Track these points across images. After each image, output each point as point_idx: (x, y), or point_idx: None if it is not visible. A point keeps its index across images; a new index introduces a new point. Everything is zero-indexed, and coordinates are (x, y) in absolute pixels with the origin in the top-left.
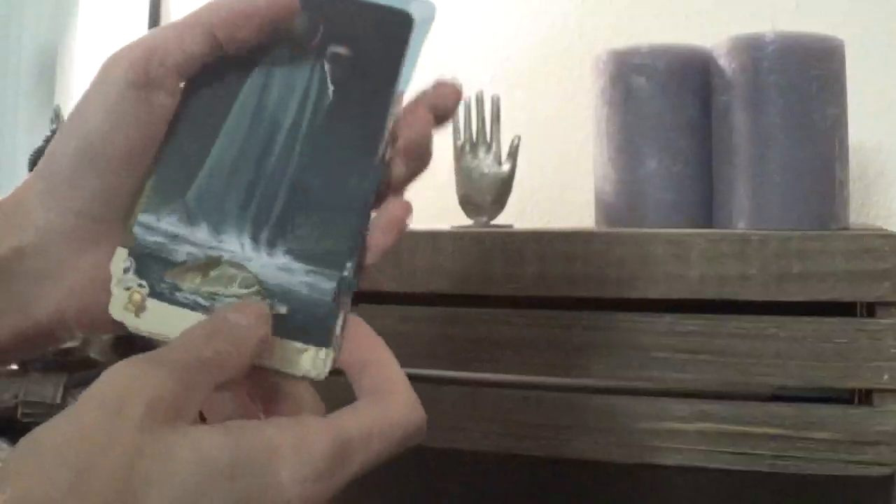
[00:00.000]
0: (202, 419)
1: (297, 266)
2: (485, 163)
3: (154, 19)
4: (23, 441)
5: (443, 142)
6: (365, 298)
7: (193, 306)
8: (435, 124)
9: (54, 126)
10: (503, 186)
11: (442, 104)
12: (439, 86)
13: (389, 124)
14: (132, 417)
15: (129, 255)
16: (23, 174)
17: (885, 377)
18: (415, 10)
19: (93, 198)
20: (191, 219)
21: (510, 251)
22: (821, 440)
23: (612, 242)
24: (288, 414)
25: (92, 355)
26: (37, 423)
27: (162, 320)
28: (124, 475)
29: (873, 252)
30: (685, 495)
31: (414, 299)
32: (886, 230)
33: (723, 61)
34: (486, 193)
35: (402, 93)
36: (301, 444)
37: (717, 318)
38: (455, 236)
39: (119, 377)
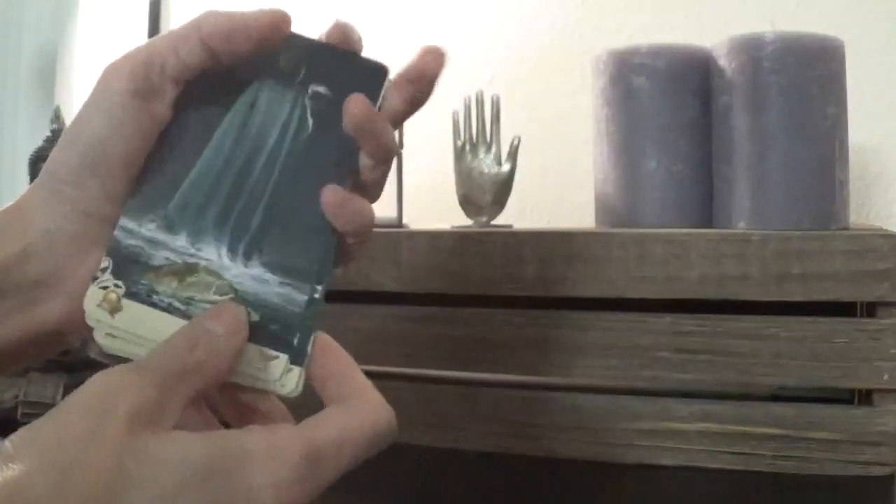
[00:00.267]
0: None
1: (272, 277)
2: (485, 163)
3: (154, 19)
4: (7, 442)
5: (443, 142)
6: (365, 298)
7: (169, 309)
8: (421, 94)
9: (54, 126)
10: (503, 186)
11: (429, 70)
12: (424, 52)
13: (358, 156)
14: (115, 420)
15: (108, 255)
16: (23, 174)
17: (885, 377)
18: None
19: (98, 199)
20: (170, 227)
21: (510, 251)
22: (821, 440)
23: (612, 242)
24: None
25: (92, 356)
26: None
27: (137, 321)
28: (108, 476)
29: (873, 252)
30: (685, 495)
31: (414, 299)
32: (886, 230)
33: (723, 61)
34: (486, 193)
35: None
36: (274, 449)
37: (717, 318)
38: (455, 236)
39: (103, 383)
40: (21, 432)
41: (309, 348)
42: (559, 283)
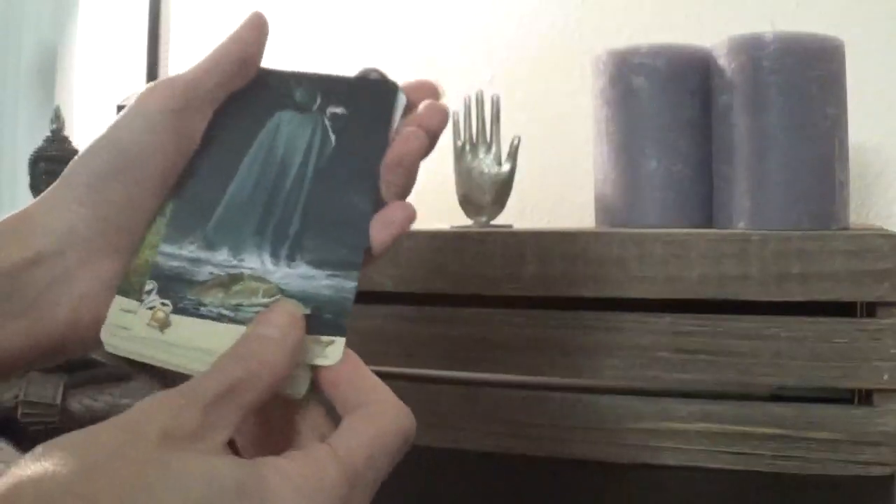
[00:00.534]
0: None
1: (318, 272)
2: (485, 163)
3: (154, 19)
4: (40, 446)
5: (443, 142)
6: (365, 298)
7: (219, 318)
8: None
9: (54, 126)
10: (503, 186)
11: (433, 125)
12: (429, 107)
13: (384, 157)
14: (147, 434)
15: (151, 278)
16: (23, 174)
17: (885, 377)
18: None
19: (120, 207)
20: (211, 245)
21: (510, 251)
22: (821, 440)
23: (612, 242)
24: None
25: (92, 356)
26: (37, 424)
27: (187, 334)
28: (128, 483)
29: (873, 252)
30: (685, 495)
31: (414, 299)
32: (886, 230)
33: (723, 61)
34: (486, 193)
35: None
36: (313, 473)
37: (717, 318)
38: (455, 236)
39: (143, 404)
40: (55, 439)
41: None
42: (559, 283)
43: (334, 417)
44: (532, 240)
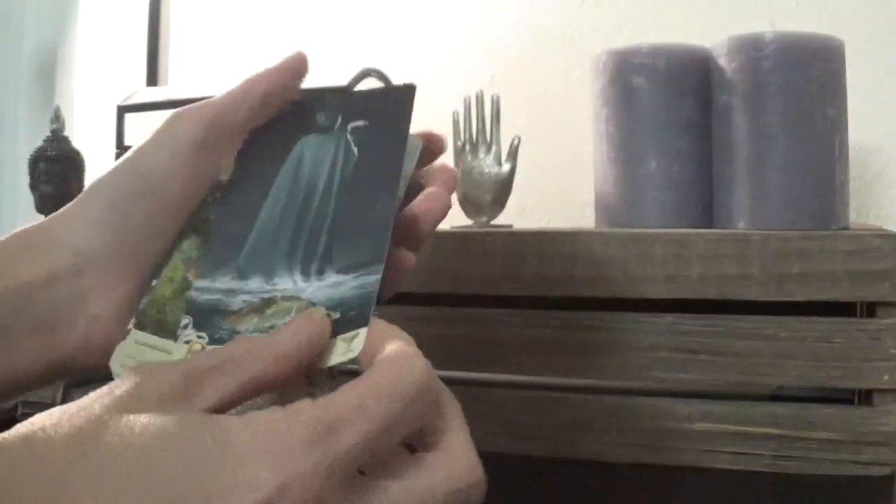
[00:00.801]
0: None
1: (345, 277)
2: (485, 163)
3: (154, 19)
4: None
5: None
6: None
7: None
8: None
9: (54, 126)
10: (503, 186)
11: (451, 187)
12: (448, 171)
13: (405, 162)
14: (114, 394)
15: (185, 313)
16: (23, 174)
17: (885, 377)
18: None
19: (140, 231)
20: (243, 275)
21: (510, 251)
22: (821, 440)
23: (612, 242)
24: None
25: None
26: None
27: None
28: (84, 431)
29: (873, 252)
30: (685, 495)
31: (414, 299)
32: (886, 230)
33: (723, 61)
34: (486, 193)
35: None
36: (281, 419)
37: (717, 318)
38: (455, 236)
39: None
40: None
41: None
42: (559, 283)
43: None
44: (532, 240)
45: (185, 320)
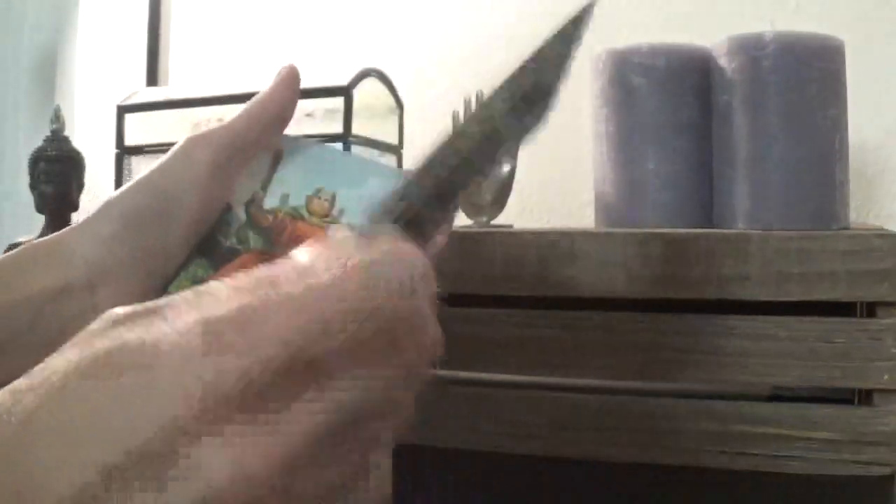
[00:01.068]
0: None
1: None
2: None
3: (154, 19)
4: None
5: None
6: None
7: None
8: None
9: (54, 126)
10: (503, 186)
11: None
12: None
13: None
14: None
15: None
16: (23, 174)
17: (885, 377)
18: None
19: (154, 250)
20: None
21: (510, 251)
22: (821, 440)
23: (612, 242)
24: None
25: None
26: None
27: None
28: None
29: (873, 252)
30: (685, 495)
31: None
32: (886, 230)
33: (723, 61)
34: (486, 193)
35: None
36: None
37: (717, 317)
38: (455, 236)
39: None
40: None
41: None
42: (559, 283)
43: None
44: (532, 240)
45: None
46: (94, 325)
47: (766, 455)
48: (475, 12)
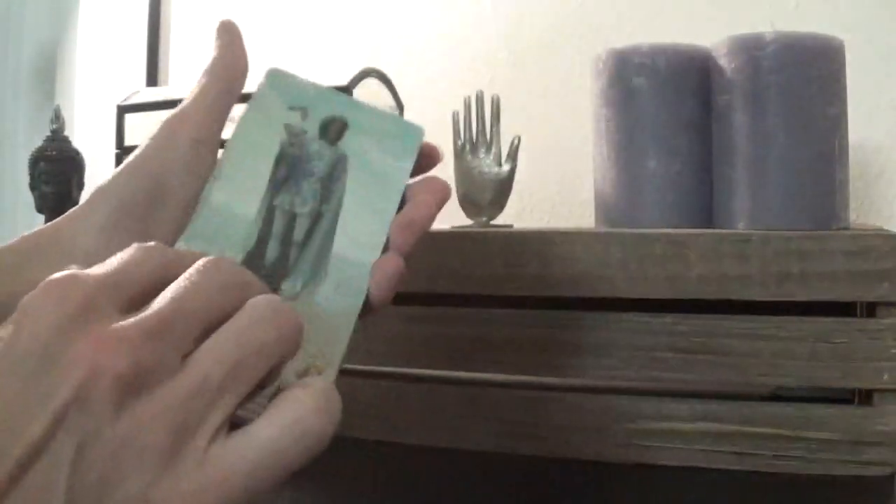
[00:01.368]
0: None
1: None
2: (485, 163)
3: (154, 20)
4: None
5: (443, 142)
6: None
7: None
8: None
9: (54, 126)
10: (503, 186)
11: (442, 199)
12: (440, 185)
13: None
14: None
15: None
16: (23, 174)
17: (885, 377)
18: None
19: (152, 232)
20: None
21: (510, 251)
22: (821, 440)
23: (612, 242)
24: None
25: None
26: None
27: None
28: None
29: (873, 252)
30: (685, 495)
31: (414, 299)
32: (886, 230)
33: (723, 61)
34: (486, 193)
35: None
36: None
37: (717, 318)
38: (455, 236)
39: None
40: None
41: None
42: (559, 283)
43: None
44: (532, 240)
45: None
46: None
47: (766, 455)
48: (475, 12)
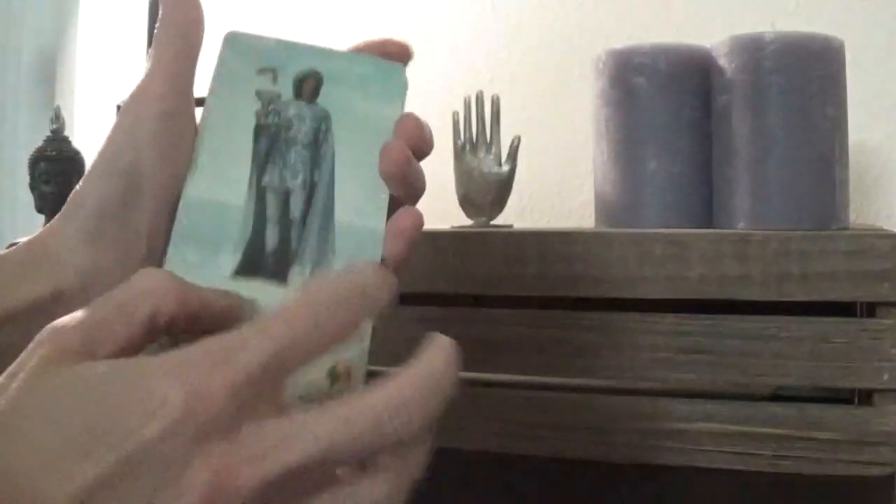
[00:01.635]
0: None
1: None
2: (485, 163)
3: (154, 20)
4: None
5: (443, 142)
6: None
7: None
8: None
9: (54, 126)
10: (503, 186)
11: (415, 139)
12: (407, 118)
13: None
14: (34, 356)
15: None
16: (23, 174)
17: (885, 377)
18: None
19: (138, 235)
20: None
21: (510, 251)
22: (821, 440)
23: (612, 242)
24: None
25: None
26: None
27: None
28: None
29: (873, 252)
30: (685, 495)
31: (414, 299)
32: (886, 230)
33: (723, 61)
34: (486, 193)
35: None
36: (185, 347)
37: (717, 318)
38: (455, 236)
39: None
40: None
41: None
42: (559, 283)
43: None
44: (532, 240)
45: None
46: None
47: (766, 455)
48: (475, 12)
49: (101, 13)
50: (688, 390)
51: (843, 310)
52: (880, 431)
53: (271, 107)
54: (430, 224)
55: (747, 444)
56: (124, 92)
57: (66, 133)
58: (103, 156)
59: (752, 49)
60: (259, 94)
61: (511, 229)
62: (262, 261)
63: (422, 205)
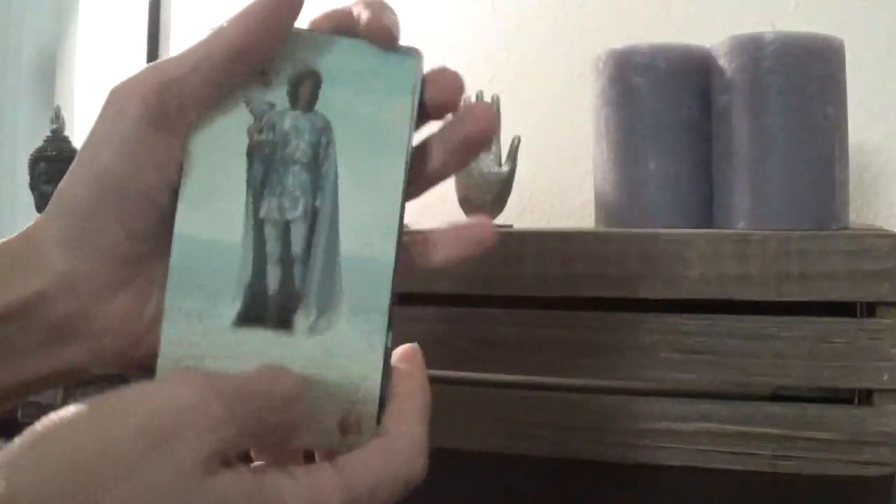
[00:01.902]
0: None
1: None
2: (484, 163)
3: (154, 20)
4: (27, 433)
5: None
6: None
7: None
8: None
9: (54, 126)
10: (503, 186)
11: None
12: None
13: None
14: (177, 459)
15: None
16: (23, 174)
17: (885, 377)
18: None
19: (117, 238)
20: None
21: (510, 251)
22: (821, 440)
23: (612, 242)
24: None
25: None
26: None
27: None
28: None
29: (873, 252)
30: (685, 495)
31: (414, 299)
32: (886, 230)
33: (723, 61)
34: (485, 193)
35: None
36: (313, 494)
37: (717, 318)
38: None
39: (172, 401)
40: (46, 426)
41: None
42: (559, 283)
43: None
44: (532, 240)
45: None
46: None
47: (766, 455)
48: (475, 12)
49: (101, 13)
50: (687, 390)
51: (843, 310)
52: (879, 431)
53: (264, 121)
54: (430, 224)
55: (746, 443)
56: None
57: (66, 133)
58: (86, 146)
59: (752, 49)
60: (250, 104)
61: (511, 229)
62: (264, 306)
63: (421, 204)
